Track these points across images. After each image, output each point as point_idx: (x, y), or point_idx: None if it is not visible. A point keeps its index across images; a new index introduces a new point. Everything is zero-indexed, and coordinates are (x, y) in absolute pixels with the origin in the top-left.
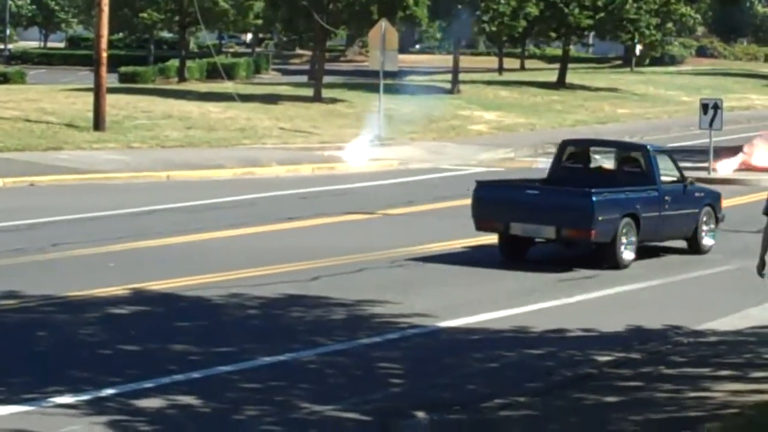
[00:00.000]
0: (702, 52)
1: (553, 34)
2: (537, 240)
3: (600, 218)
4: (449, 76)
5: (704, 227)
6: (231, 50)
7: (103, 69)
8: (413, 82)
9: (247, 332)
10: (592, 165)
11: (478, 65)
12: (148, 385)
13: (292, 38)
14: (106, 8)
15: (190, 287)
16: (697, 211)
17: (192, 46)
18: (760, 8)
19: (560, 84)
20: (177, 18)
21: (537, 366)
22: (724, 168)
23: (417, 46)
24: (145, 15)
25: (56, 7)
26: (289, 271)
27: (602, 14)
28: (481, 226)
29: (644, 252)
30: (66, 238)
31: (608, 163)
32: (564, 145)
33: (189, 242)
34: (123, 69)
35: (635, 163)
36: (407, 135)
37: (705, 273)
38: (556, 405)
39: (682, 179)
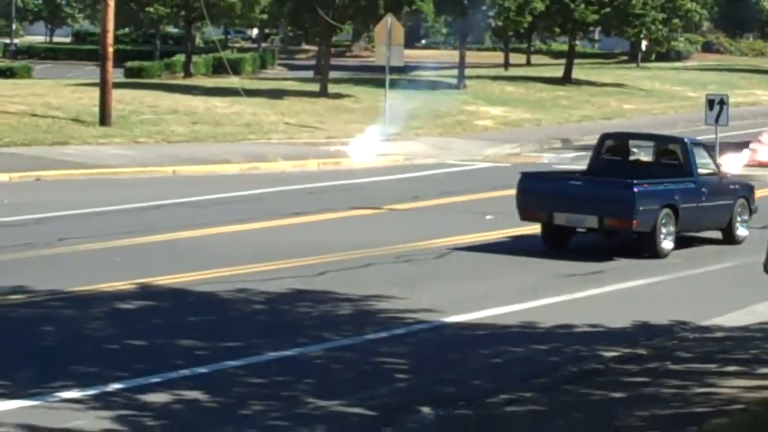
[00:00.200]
0: (708, 48)
1: (559, 30)
2: (578, 230)
3: (641, 208)
4: (455, 72)
5: (738, 218)
6: (237, 45)
7: (109, 64)
8: (420, 78)
9: (253, 327)
10: (631, 157)
11: (484, 61)
12: (155, 379)
13: (297, 33)
14: (112, 3)
15: (196, 282)
16: (731, 202)
17: (198, 41)
18: (766, 4)
19: (566, 79)
20: (183, 13)
21: (543, 361)
22: (730, 164)
23: (423, 42)
24: (151, 10)
25: (62, 2)
26: (296, 266)
27: (608, 9)
28: (525, 216)
29: (681, 242)
30: (72, 233)
31: (646, 155)
32: (603, 138)
33: (195, 237)
34: (129, 64)
35: (673, 155)
36: (413, 130)
37: (711, 269)
38: (562, 400)
39: (718, 171)
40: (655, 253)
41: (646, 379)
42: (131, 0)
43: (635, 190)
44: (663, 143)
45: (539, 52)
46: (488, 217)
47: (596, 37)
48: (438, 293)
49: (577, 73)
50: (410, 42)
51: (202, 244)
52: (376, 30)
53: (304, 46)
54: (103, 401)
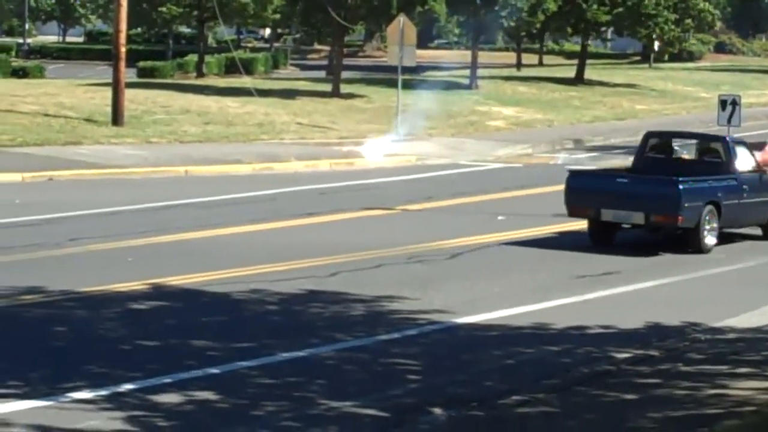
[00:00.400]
0: (720, 48)
1: (571, 30)
2: (623, 226)
3: (686, 205)
4: (467, 72)
5: None
6: (249, 45)
7: (122, 64)
8: (432, 78)
9: (265, 328)
10: (674, 155)
11: (497, 61)
12: (167, 380)
13: (310, 33)
14: (124, 3)
15: (208, 282)
16: None
17: (210, 41)
18: None
19: (578, 80)
20: (195, 13)
21: (555, 362)
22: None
23: (435, 42)
24: (163, 10)
25: (75, 2)
26: (308, 266)
27: (620, 10)
28: (573, 212)
29: (723, 238)
30: (85, 233)
31: (688, 153)
32: (647, 136)
33: (208, 237)
34: (141, 64)
35: (715, 153)
36: (425, 130)
37: (724, 270)
38: (574, 401)
39: (758, 169)
40: (699, 248)
41: (658, 381)
42: (144, 0)
43: (681, 187)
44: (705, 141)
45: (551, 52)
46: (500, 217)
47: (608, 36)
48: (450, 294)
49: (589, 74)
50: (422, 42)
51: (214, 245)
52: (389, 30)
53: (317, 46)
54: (115, 402)
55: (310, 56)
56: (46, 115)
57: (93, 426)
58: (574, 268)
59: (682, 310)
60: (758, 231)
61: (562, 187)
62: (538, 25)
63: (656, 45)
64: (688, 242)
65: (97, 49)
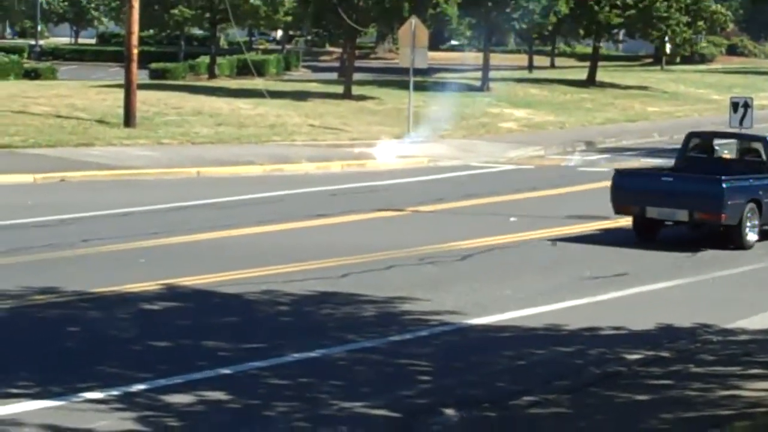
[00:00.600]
0: (732, 51)
1: (583, 32)
2: (666, 222)
3: (729, 203)
4: (479, 74)
5: None
6: (261, 47)
7: (134, 65)
8: (444, 80)
9: (277, 328)
10: (715, 155)
11: (508, 63)
12: (178, 380)
13: (321, 35)
14: (136, 5)
15: (220, 283)
16: None
17: (222, 43)
18: None
19: (590, 82)
20: (207, 15)
21: (567, 364)
22: None
23: (447, 44)
24: (176, 12)
25: (89, 5)
26: (320, 267)
27: (632, 12)
28: (619, 210)
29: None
30: (97, 234)
31: (729, 152)
32: (689, 136)
33: (219, 238)
34: (153, 65)
35: (755, 152)
36: (437, 132)
37: (735, 271)
38: (585, 402)
39: None
40: (741, 244)
41: (670, 382)
42: (156, 2)
43: (724, 185)
44: (746, 141)
45: (563, 54)
46: (512, 219)
47: (620, 38)
48: (461, 295)
49: (601, 76)
50: (434, 44)
51: (226, 246)
52: (401, 32)
53: (328, 48)
54: (126, 402)
55: (321, 58)
56: (58, 116)
57: (104, 426)
58: (586, 270)
59: (694, 311)
60: None
61: (574, 188)
62: (550, 28)
63: (668, 47)
64: (730, 239)
65: (109, 51)
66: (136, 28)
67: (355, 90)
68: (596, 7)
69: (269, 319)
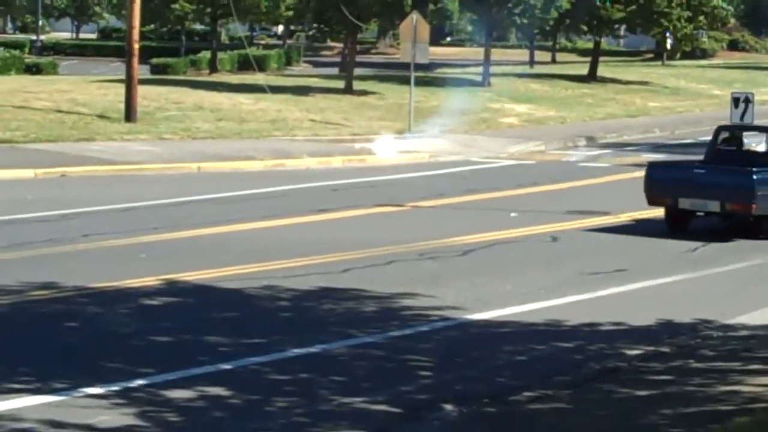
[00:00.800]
0: (734, 46)
1: (585, 28)
2: (698, 213)
3: (760, 194)
4: (480, 69)
5: None
6: (262, 42)
7: (135, 60)
8: (445, 75)
9: (278, 324)
10: (744, 147)
11: (509, 58)
12: (179, 376)
13: (323, 30)
14: (138, 0)
15: (221, 278)
16: None
17: (223, 37)
18: None
19: (591, 77)
20: (209, 10)
21: (567, 359)
22: None
23: (448, 39)
24: (177, 6)
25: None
26: (321, 263)
27: (633, 7)
28: (652, 201)
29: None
30: (97, 229)
31: (757, 145)
32: (719, 130)
33: (220, 233)
34: (155, 60)
35: None
36: (438, 127)
37: (736, 267)
38: (585, 398)
39: None
40: None
41: (670, 377)
42: None
43: (755, 177)
44: None
45: (564, 49)
46: (513, 214)
47: (622, 33)
48: (462, 290)
49: (602, 71)
50: (435, 39)
51: (226, 241)
52: (402, 27)
53: (330, 43)
54: (126, 397)
55: (322, 53)
56: (59, 111)
57: (105, 421)
58: (587, 265)
59: (694, 306)
60: None
61: (575, 183)
62: (551, 23)
63: (669, 42)
64: (760, 229)
65: (110, 46)
66: (137, 22)
67: (356, 85)
68: (598, 2)
69: (270, 314)
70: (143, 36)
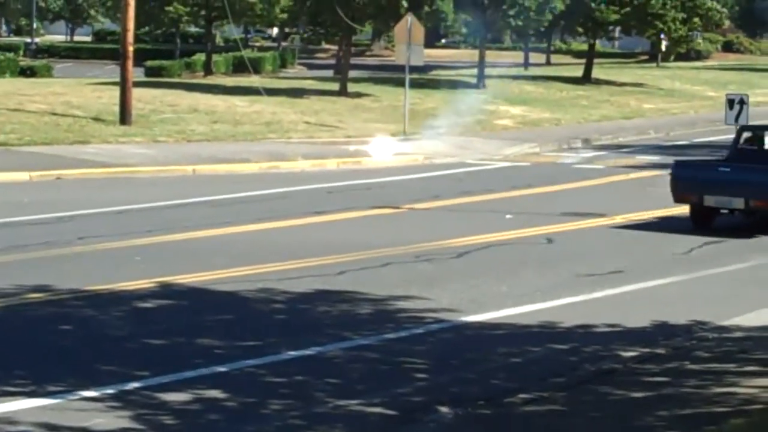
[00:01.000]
0: (728, 47)
1: (579, 29)
2: (722, 211)
3: None
4: (475, 71)
5: None
6: (257, 44)
7: (130, 63)
8: (440, 77)
9: (273, 326)
10: (766, 146)
11: (504, 60)
12: (174, 378)
13: (318, 33)
14: (132, 2)
15: (216, 281)
16: None
17: (218, 40)
18: None
19: (586, 79)
20: (203, 12)
21: (562, 361)
22: None
23: (443, 41)
24: (171, 9)
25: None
26: (316, 265)
27: (628, 9)
28: (678, 198)
29: None
30: (92, 232)
31: None
32: (741, 130)
33: (215, 236)
34: (149, 63)
35: None
36: (433, 129)
37: (731, 268)
38: (580, 400)
39: None
40: None
41: (665, 379)
42: None
43: None
44: None
45: (559, 51)
46: (508, 216)
47: (616, 35)
48: (457, 292)
49: (597, 73)
50: (430, 41)
51: (221, 243)
52: (397, 29)
53: (324, 46)
54: (121, 400)
55: (317, 55)
56: (54, 114)
57: (100, 424)
58: (582, 267)
59: (689, 308)
60: None
61: (570, 185)
62: (546, 24)
63: (664, 44)
64: None
65: (105, 49)
66: (131, 25)
67: (351, 87)
68: (592, 4)
69: (264, 317)
70: (138, 38)
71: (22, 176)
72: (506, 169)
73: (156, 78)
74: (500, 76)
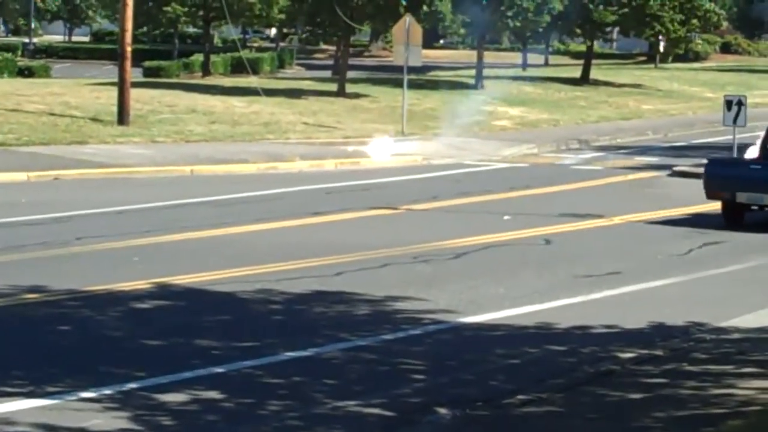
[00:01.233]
0: (726, 49)
1: (578, 30)
2: (752, 207)
3: None
4: (473, 72)
5: None
6: (255, 45)
7: (128, 63)
8: (438, 78)
9: (270, 327)
10: None
11: (502, 61)
12: (172, 379)
13: (316, 33)
14: (130, 2)
15: (213, 282)
16: None
17: (216, 40)
18: None
19: (584, 80)
20: (201, 12)
21: (560, 362)
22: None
23: (441, 42)
24: (169, 9)
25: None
26: (313, 266)
27: (626, 10)
28: (711, 195)
29: None
30: (90, 232)
31: None
32: None
33: (213, 237)
34: (147, 63)
35: None
36: (431, 130)
37: (729, 269)
38: (579, 401)
39: None
40: None
41: (663, 380)
42: None
43: None
44: None
45: (557, 52)
46: (506, 217)
47: (614, 36)
48: (455, 294)
49: (595, 74)
50: (428, 42)
51: (219, 244)
52: (395, 30)
53: (322, 46)
54: (119, 401)
55: (315, 56)
56: (52, 114)
57: (97, 425)
58: (580, 268)
59: (687, 309)
60: None
61: (568, 186)
62: (543, 25)
63: (662, 45)
64: None
65: (103, 49)
66: (129, 25)
67: (349, 88)
68: (590, 5)
69: (262, 318)
70: (136, 39)
71: (20, 176)
72: (504, 170)
73: (154, 78)
74: (498, 77)
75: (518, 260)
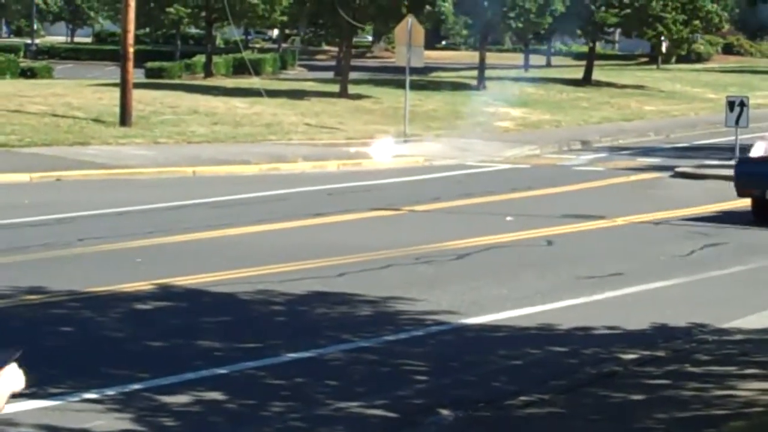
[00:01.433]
0: (728, 50)
1: (580, 32)
2: None
3: None
4: (475, 73)
5: None
6: (257, 46)
7: (130, 64)
8: (440, 79)
9: (272, 328)
10: None
11: (504, 62)
12: (174, 380)
13: (318, 34)
14: (132, 3)
15: (216, 283)
16: None
17: (218, 41)
18: None
19: (586, 81)
20: (204, 13)
21: (562, 363)
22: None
23: (443, 42)
24: (172, 10)
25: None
26: (315, 267)
27: (628, 11)
28: (742, 193)
29: None
30: (92, 233)
31: None
32: None
33: (215, 238)
34: (149, 64)
35: None
36: (433, 131)
37: (731, 270)
38: (580, 402)
39: None
40: None
41: (665, 382)
42: (152, 0)
43: None
44: None
45: (559, 53)
46: (508, 218)
47: (616, 38)
48: (457, 295)
49: (597, 75)
50: (430, 43)
51: (221, 245)
52: (397, 31)
53: (325, 47)
54: (122, 402)
55: (317, 57)
56: (54, 115)
57: (100, 426)
58: (582, 269)
59: (689, 310)
60: None
61: (570, 188)
62: (545, 27)
63: (664, 46)
64: None
65: (105, 50)
66: (132, 26)
67: (352, 89)
68: (592, 6)
69: (264, 319)
70: (138, 40)
71: (23, 177)
72: (506, 171)
73: (156, 79)
74: (500, 78)
75: (520, 261)
